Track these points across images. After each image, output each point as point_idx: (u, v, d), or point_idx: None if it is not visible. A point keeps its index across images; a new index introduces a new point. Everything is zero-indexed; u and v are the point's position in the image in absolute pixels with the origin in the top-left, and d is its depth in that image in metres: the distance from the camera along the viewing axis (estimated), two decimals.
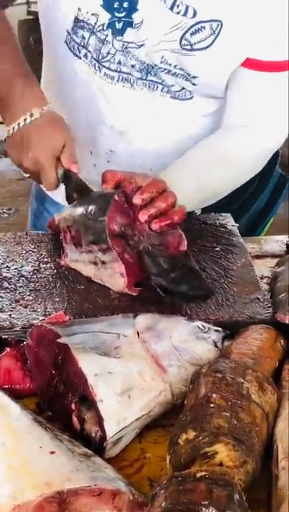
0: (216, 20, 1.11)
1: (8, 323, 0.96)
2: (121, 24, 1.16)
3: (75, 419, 0.79)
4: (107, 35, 1.19)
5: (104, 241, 1.02)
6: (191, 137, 1.30)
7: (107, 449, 0.76)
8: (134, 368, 0.81)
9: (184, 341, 0.88)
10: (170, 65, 1.18)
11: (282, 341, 0.92)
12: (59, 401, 0.82)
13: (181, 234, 1.07)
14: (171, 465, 0.72)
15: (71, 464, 0.69)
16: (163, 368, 0.83)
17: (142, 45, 1.17)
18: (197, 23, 1.12)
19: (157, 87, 1.23)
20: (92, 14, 1.18)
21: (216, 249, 1.18)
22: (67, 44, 1.25)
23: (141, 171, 1.22)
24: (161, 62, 1.18)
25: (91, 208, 1.07)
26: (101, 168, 1.23)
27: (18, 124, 1.11)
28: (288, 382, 0.84)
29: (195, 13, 1.11)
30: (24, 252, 1.17)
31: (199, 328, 0.91)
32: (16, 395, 0.83)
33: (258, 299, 1.05)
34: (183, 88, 1.22)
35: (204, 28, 1.12)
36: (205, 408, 0.73)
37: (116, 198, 1.04)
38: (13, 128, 1.12)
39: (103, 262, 1.05)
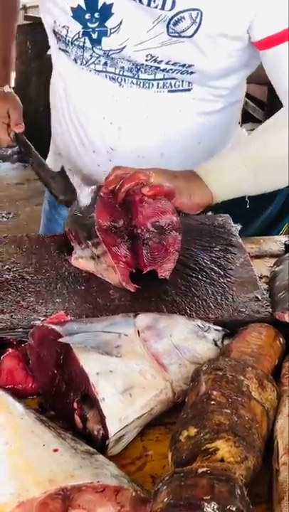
0: (195, 9, 1.13)
1: (9, 323, 0.97)
2: (96, 34, 1.19)
3: (77, 417, 0.80)
4: (85, 42, 1.21)
5: (95, 235, 1.07)
6: (194, 136, 1.30)
7: (110, 447, 0.76)
8: (135, 367, 0.81)
9: (185, 340, 0.88)
10: (160, 62, 1.18)
11: (281, 339, 0.92)
12: (61, 400, 0.83)
13: (179, 237, 1.10)
14: (172, 462, 0.72)
15: (74, 461, 0.69)
16: (164, 367, 0.84)
17: (124, 47, 1.19)
18: (176, 14, 1.13)
19: (152, 85, 1.23)
20: (63, 27, 1.22)
21: (215, 249, 1.19)
22: (61, 50, 1.29)
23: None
24: (147, 61, 1.19)
25: (82, 206, 1.14)
26: (104, 167, 1.26)
27: None
28: (288, 380, 0.85)
29: (174, 5, 1.13)
30: (25, 253, 1.17)
31: (199, 327, 0.91)
32: (18, 395, 0.84)
33: (257, 298, 1.06)
34: (180, 79, 1.22)
35: (184, 18, 1.14)
36: (206, 405, 0.74)
37: (101, 194, 1.10)
38: None
39: (98, 256, 1.08)
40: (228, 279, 1.11)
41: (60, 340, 0.81)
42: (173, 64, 1.19)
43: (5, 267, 1.13)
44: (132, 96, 1.26)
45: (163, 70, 1.20)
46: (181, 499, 0.61)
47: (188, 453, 0.70)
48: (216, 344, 0.91)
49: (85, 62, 1.25)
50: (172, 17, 1.14)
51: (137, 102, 1.26)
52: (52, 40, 1.31)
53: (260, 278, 1.13)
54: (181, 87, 1.24)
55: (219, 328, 0.94)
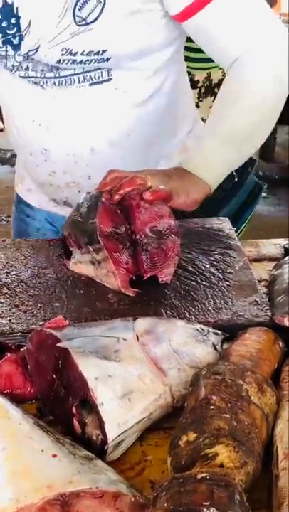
0: None
1: (7, 328, 0.97)
2: (17, 39, 1.20)
3: (76, 422, 0.79)
4: (7, 50, 1.22)
5: (97, 241, 1.06)
6: (122, 128, 1.30)
7: (109, 452, 0.76)
8: (134, 371, 0.81)
9: (184, 344, 0.88)
10: (75, 54, 1.18)
11: (280, 343, 0.92)
12: (60, 405, 0.82)
13: (178, 241, 1.10)
14: (172, 467, 0.72)
15: (73, 466, 0.69)
16: (163, 371, 0.83)
17: (38, 46, 1.19)
18: None
19: (73, 81, 1.23)
20: None
21: (214, 252, 1.19)
22: None
23: (78, 169, 1.30)
24: (63, 55, 1.18)
25: (82, 211, 1.13)
26: (42, 168, 1.32)
27: None
28: (287, 384, 0.84)
29: None
30: (23, 257, 1.17)
31: (198, 331, 0.91)
32: (16, 400, 0.83)
33: (256, 301, 1.05)
34: (98, 68, 1.21)
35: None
36: (205, 410, 0.74)
37: (103, 199, 1.08)
38: None
39: (99, 262, 1.08)
40: (227, 283, 1.11)
41: (58, 344, 0.80)
42: (87, 54, 1.18)
43: (4, 270, 1.13)
44: (55, 96, 1.26)
45: (80, 62, 1.19)
46: (180, 505, 0.61)
47: (187, 458, 0.70)
48: (215, 348, 0.91)
49: (10, 69, 1.26)
50: (77, 1, 1.13)
51: (60, 102, 1.27)
52: None
53: (260, 281, 1.13)
54: (101, 78, 1.24)
55: (218, 332, 0.93)
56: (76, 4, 1.14)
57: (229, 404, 0.74)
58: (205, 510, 0.60)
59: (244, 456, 0.69)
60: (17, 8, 1.17)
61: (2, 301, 1.04)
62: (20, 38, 1.19)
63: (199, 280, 1.11)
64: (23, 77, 1.25)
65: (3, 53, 1.22)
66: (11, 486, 0.67)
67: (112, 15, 1.15)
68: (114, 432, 0.76)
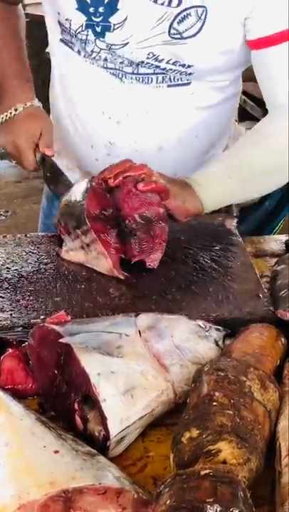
0: (201, 6, 1.13)
1: (9, 322, 0.97)
2: (100, 28, 1.19)
3: (78, 418, 0.79)
4: (88, 35, 1.21)
5: (84, 223, 1.08)
6: (192, 130, 1.31)
7: (111, 448, 0.76)
8: (137, 368, 0.81)
9: (186, 340, 0.88)
10: (161, 60, 1.19)
11: (283, 339, 0.92)
12: (62, 401, 0.82)
13: (166, 228, 1.11)
14: (174, 463, 0.72)
15: (75, 462, 0.69)
16: (165, 367, 0.83)
17: (127, 43, 1.18)
18: (182, 10, 1.13)
19: (151, 80, 1.23)
20: (66, 19, 1.21)
21: (216, 248, 1.19)
22: (64, 42, 1.29)
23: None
24: (148, 58, 1.19)
25: (73, 196, 1.15)
26: (102, 162, 1.27)
27: (6, 115, 1.31)
28: None
29: (180, 2, 1.12)
30: (24, 253, 1.17)
31: (200, 327, 0.91)
32: (18, 396, 0.83)
33: (258, 296, 1.05)
34: (180, 73, 1.22)
35: (190, 14, 1.14)
36: (208, 406, 0.73)
37: (93, 183, 1.11)
38: (2, 118, 1.30)
39: (88, 245, 1.09)
40: (229, 278, 1.10)
41: (60, 340, 0.80)
42: (173, 63, 1.19)
43: (4, 266, 1.12)
44: (131, 90, 1.26)
45: (163, 68, 1.21)
46: (183, 501, 0.61)
47: (190, 454, 0.70)
48: (217, 344, 0.91)
49: (87, 55, 1.25)
50: (178, 14, 1.13)
51: (136, 97, 1.26)
52: (54, 32, 1.30)
53: (261, 277, 1.13)
54: (180, 82, 1.24)
55: (220, 328, 0.93)
56: (176, 17, 1.14)
57: (232, 401, 0.74)
58: (208, 506, 0.60)
59: (247, 453, 0.69)
60: (118, 0, 1.15)
61: (3, 296, 1.03)
62: (105, 29, 1.18)
63: (201, 275, 1.11)
64: (101, 66, 1.24)
65: (83, 37, 1.21)
66: (14, 483, 0.67)
67: (209, 34, 1.15)
68: (116, 427, 0.75)
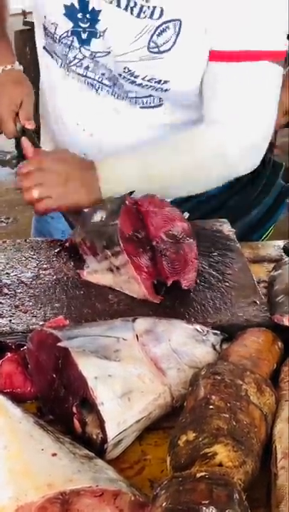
0: (177, 19, 1.13)
1: (8, 328, 0.97)
2: (86, 34, 1.19)
3: (76, 422, 0.80)
4: (72, 41, 1.21)
5: (116, 244, 1.03)
6: None
7: (108, 451, 0.77)
8: (134, 371, 0.81)
9: (183, 344, 0.89)
10: (136, 76, 1.18)
11: (279, 344, 0.93)
12: (60, 404, 0.83)
13: (194, 243, 1.08)
14: (171, 466, 0.72)
15: (73, 465, 0.69)
16: (162, 371, 0.84)
17: (109, 52, 1.19)
18: (163, 23, 1.13)
19: (125, 98, 1.24)
20: (52, 23, 1.22)
21: (213, 254, 1.19)
22: (46, 50, 1.29)
23: None
24: (125, 73, 1.19)
25: (101, 215, 1.10)
26: None
27: None
28: (286, 384, 0.85)
29: (162, 13, 1.12)
30: (24, 258, 1.18)
31: (198, 331, 0.92)
32: (17, 400, 0.84)
33: (255, 302, 1.06)
34: (150, 95, 1.22)
35: (168, 27, 1.14)
36: (204, 410, 0.74)
37: (126, 202, 1.06)
38: None
39: (118, 268, 1.05)
40: (227, 284, 1.11)
41: (58, 344, 0.81)
42: (149, 80, 1.19)
43: (4, 271, 1.13)
44: (105, 104, 1.27)
45: (139, 85, 1.20)
46: (179, 504, 0.62)
47: (186, 457, 0.70)
48: (214, 348, 0.91)
49: (68, 62, 1.24)
50: (158, 26, 1.13)
51: (109, 111, 1.27)
52: (39, 38, 1.31)
53: (259, 282, 1.13)
54: (152, 104, 1.25)
55: (218, 332, 0.94)
56: (156, 30, 1.14)
57: (228, 404, 0.74)
58: (204, 508, 0.60)
59: (243, 456, 0.70)
60: (99, 11, 1.16)
61: (2, 301, 1.04)
62: (92, 35, 1.18)
63: (198, 281, 1.11)
64: (80, 74, 1.25)
65: (68, 42, 1.22)
66: (12, 485, 0.67)
67: (183, 47, 1.15)
68: (113, 431, 0.76)
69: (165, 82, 1.19)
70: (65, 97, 1.31)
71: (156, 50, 1.15)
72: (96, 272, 1.10)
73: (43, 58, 1.32)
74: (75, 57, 1.23)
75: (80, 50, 1.21)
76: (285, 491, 0.67)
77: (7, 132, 1.30)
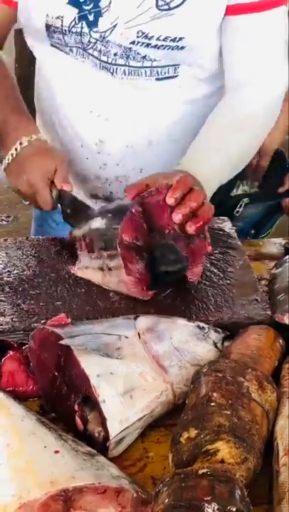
0: None
1: (10, 326, 0.98)
2: (92, 16, 1.19)
3: (78, 419, 0.80)
4: (82, 27, 1.21)
5: (114, 248, 1.03)
6: (181, 124, 1.31)
7: (110, 449, 0.77)
8: (136, 369, 0.82)
9: (185, 342, 0.89)
10: (150, 38, 1.18)
11: (280, 341, 0.93)
12: (62, 402, 0.83)
13: (207, 240, 1.07)
14: (173, 463, 0.73)
15: (75, 462, 0.70)
16: (164, 369, 0.84)
17: (116, 25, 1.19)
18: None
19: (141, 73, 1.24)
20: (58, 17, 1.21)
21: (215, 251, 1.19)
22: (56, 47, 1.28)
23: (132, 162, 1.29)
24: (138, 37, 1.19)
25: (107, 216, 1.10)
26: (93, 161, 1.29)
27: (11, 154, 1.20)
28: (288, 381, 0.85)
29: None
30: (25, 256, 1.18)
31: (199, 329, 0.92)
32: (19, 397, 0.84)
33: (257, 300, 1.06)
34: (167, 65, 1.23)
35: None
36: (206, 407, 0.74)
37: (133, 210, 1.04)
38: (8, 158, 1.21)
39: (109, 269, 1.06)
40: (228, 282, 1.11)
41: (60, 342, 0.81)
42: (164, 39, 1.18)
43: (5, 269, 1.13)
44: (122, 85, 1.26)
45: (154, 47, 1.20)
46: (181, 500, 0.62)
47: (188, 454, 0.71)
48: (216, 346, 0.92)
49: (83, 48, 1.24)
50: None
51: (126, 92, 1.27)
52: (42, 40, 1.30)
53: (260, 280, 1.14)
54: (167, 74, 1.25)
55: (219, 329, 0.94)
56: None
57: (230, 401, 0.75)
58: (206, 505, 0.61)
59: (245, 452, 0.70)
60: None
61: (4, 299, 1.04)
62: (98, 15, 1.19)
63: (200, 279, 1.11)
64: (95, 57, 1.24)
65: (78, 30, 1.22)
66: (14, 482, 0.68)
67: (194, 2, 1.16)
68: (116, 428, 0.76)
69: (180, 39, 1.18)
70: (78, 86, 1.30)
71: (165, 7, 1.16)
72: (86, 268, 1.11)
73: (49, 56, 1.31)
74: (89, 42, 1.23)
75: (90, 35, 1.22)
76: (287, 487, 0.68)
77: (43, 203, 1.18)
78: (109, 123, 1.30)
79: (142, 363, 0.83)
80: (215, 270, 1.14)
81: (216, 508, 0.60)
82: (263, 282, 1.14)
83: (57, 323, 0.89)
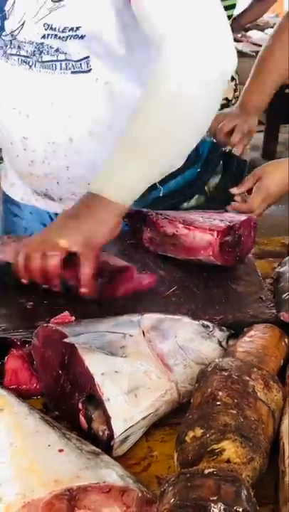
0: None
1: (13, 324, 0.97)
2: (0, 21, 1.20)
3: (82, 418, 0.80)
4: None
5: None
6: (103, 120, 1.27)
7: (115, 448, 0.76)
8: (141, 367, 0.81)
9: (190, 340, 0.88)
10: (55, 29, 1.17)
11: (286, 340, 0.92)
12: (66, 401, 0.82)
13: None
14: (178, 462, 0.72)
15: (80, 461, 0.69)
16: (169, 367, 0.84)
17: (24, 22, 1.19)
18: None
19: (55, 67, 1.22)
20: None
21: None
22: None
23: (57, 159, 1.28)
24: (46, 30, 1.17)
25: None
26: (21, 158, 1.31)
27: None
28: None
29: None
30: None
31: (204, 327, 0.91)
32: (22, 396, 0.83)
33: (261, 298, 1.06)
34: (79, 59, 1.20)
35: None
36: (211, 406, 0.74)
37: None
38: None
39: None
40: (233, 281, 1.11)
41: (64, 340, 0.81)
42: (64, 30, 1.17)
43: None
44: (38, 80, 1.24)
45: (62, 39, 1.17)
46: (187, 500, 0.61)
47: (194, 453, 0.70)
48: (220, 345, 0.91)
49: (3, 50, 1.25)
50: None
51: (44, 87, 1.25)
52: None
53: (264, 279, 1.13)
54: (80, 68, 1.22)
55: (224, 328, 0.94)
56: None
57: (236, 400, 0.74)
58: (212, 505, 0.60)
59: (251, 452, 0.69)
60: None
61: (7, 297, 1.04)
62: (3, 18, 1.19)
63: (204, 278, 1.11)
64: (15, 54, 1.24)
65: None
66: (18, 481, 0.67)
67: None
68: (120, 427, 0.76)
69: (77, 28, 1.16)
70: (5, 84, 1.29)
71: None
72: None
73: None
74: (5, 44, 1.24)
75: (2, 39, 1.22)
76: None
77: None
78: (29, 120, 1.28)
79: (146, 361, 0.82)
80: (219, 268, 1.14)
81: (222, 508, 0.60)
82: (268, 281, 1.13)
83: (61, 321, 0.89)
